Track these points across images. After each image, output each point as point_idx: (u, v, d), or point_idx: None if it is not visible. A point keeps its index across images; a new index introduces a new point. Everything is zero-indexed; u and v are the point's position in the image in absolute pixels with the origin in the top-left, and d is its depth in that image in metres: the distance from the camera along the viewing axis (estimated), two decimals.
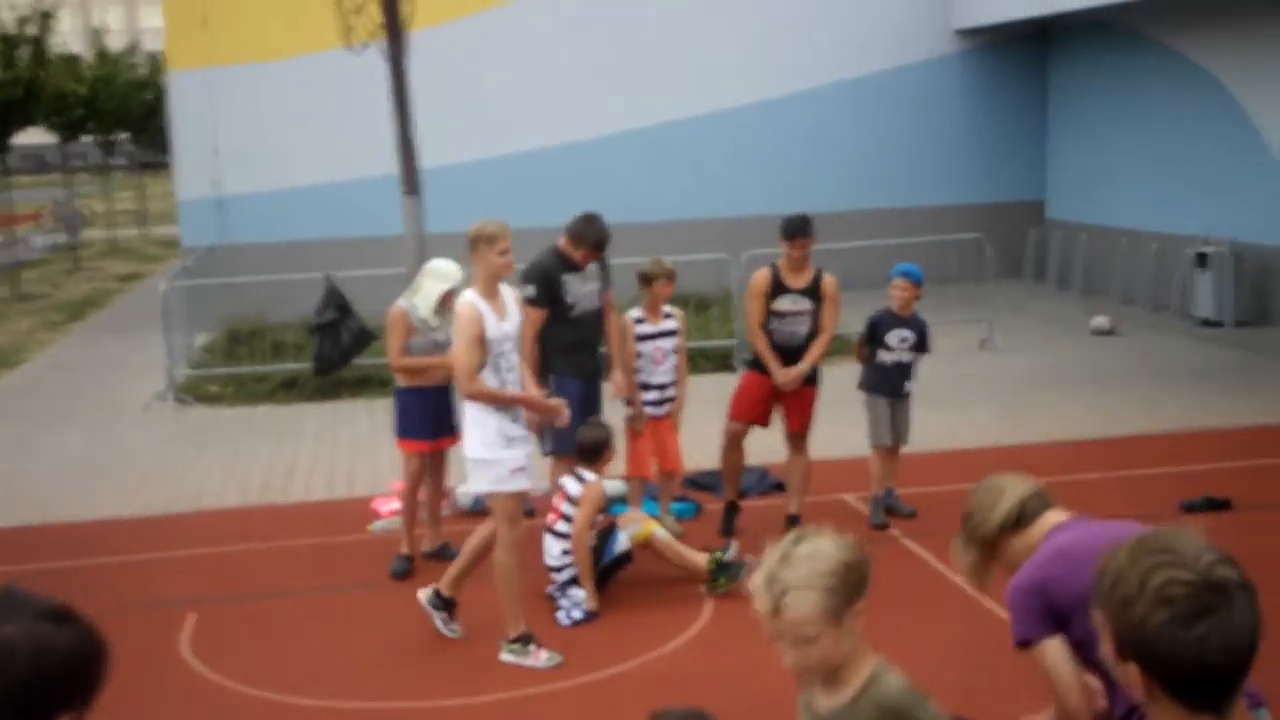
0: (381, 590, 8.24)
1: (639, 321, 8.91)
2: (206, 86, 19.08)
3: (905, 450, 9.33)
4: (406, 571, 8.41)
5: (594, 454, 7.98)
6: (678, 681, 6.54)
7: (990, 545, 3.94)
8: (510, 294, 7.03)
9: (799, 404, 8.76)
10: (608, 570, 7.91)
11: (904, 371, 9.06)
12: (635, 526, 7.95)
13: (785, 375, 8.61)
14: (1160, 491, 9.42)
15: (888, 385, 9.03)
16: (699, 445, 10.04)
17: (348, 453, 11.73)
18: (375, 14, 8.81)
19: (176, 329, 15.01)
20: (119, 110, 35.58)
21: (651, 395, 8.96)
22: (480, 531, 7.23)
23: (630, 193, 19.29)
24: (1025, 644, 3.76)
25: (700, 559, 7.91)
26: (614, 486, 9.75)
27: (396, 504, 9.72)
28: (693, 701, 3.66)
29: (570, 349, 8.65)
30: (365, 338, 14.20)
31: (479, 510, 9.52)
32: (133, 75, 37.46)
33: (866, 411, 9.11)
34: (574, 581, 7.76)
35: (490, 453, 6.77)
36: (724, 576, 7.85)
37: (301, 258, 17.49)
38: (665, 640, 7.15)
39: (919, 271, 9.19)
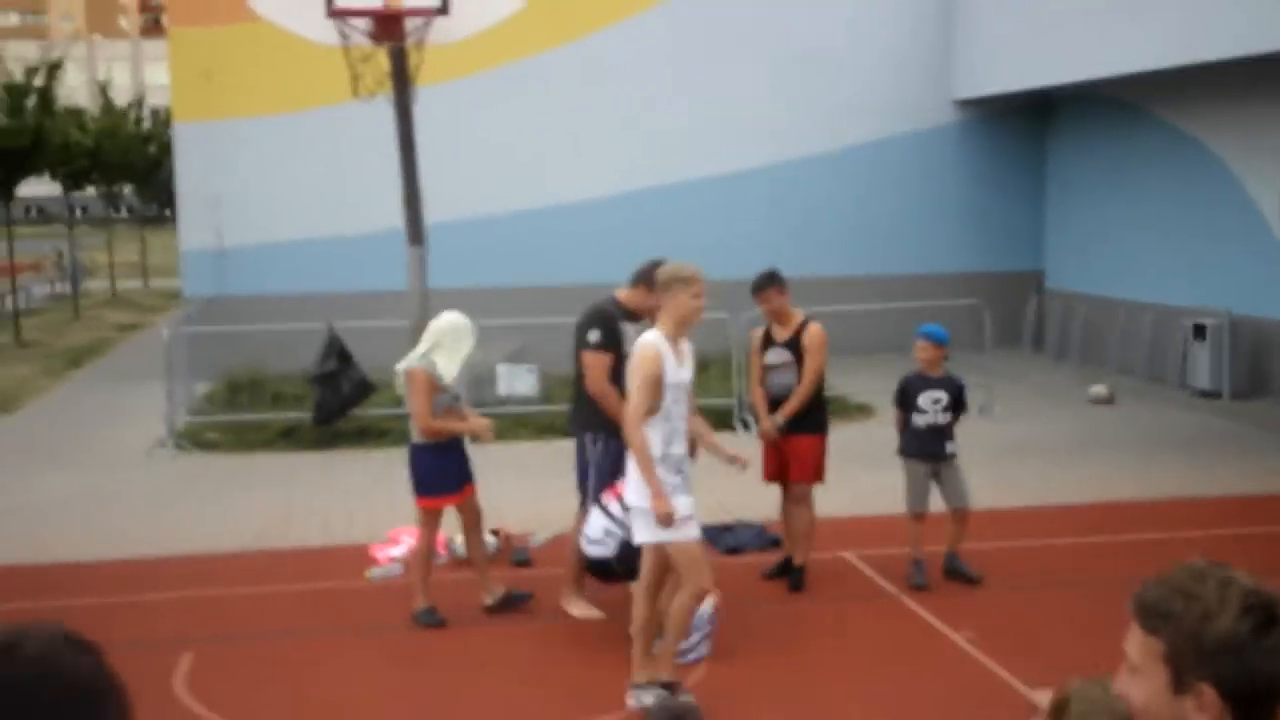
0: (377, 634, 8.23)
1: None
2: (210, 139, 19.26)
3: (894, 512, 9.33)
4: (439, 622, 8.27)
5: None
6: None
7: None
8: (688, 344, 6.86)
9: (794, 455, 8.80)
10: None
11: (940, 434, 8.90)
12: None
13: (760, 427, 8.94)
14: (1150, 557, 9.41)
15: (922, 448, 8.91)
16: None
17: (344, 501, 11.74)
18: (383, 64, 8.91)
19: (177, 377, 15.05)
20: (123, 162, 35.81)
21: None
22: (640, 603, 6.89)
23: (626, 255, 19.23)
24: None
25: None
26: None
27: (394, 550, 9.74)
28: None
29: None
30: (365, 388, 14.25)
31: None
32: (137, 129, 37.72)
33: (904, 476, 9.03)
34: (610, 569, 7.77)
35: (651, 504, 6.58)
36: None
37: (301, 310, 17.55)
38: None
39: (940, 331, 9.14)
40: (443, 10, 10.46)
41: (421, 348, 8.45)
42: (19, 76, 25.70)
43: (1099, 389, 16.61)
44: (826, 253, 20.12)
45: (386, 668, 7.61)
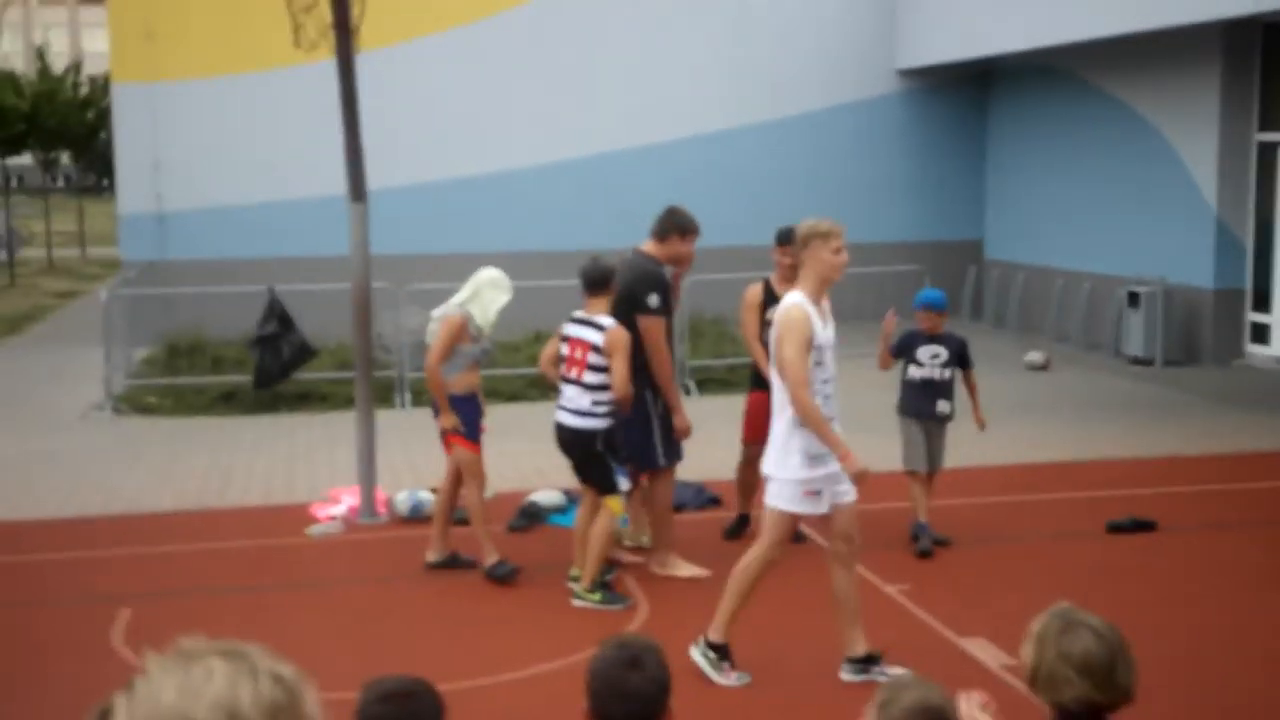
0: (318, 589, 8.26)
1: None
2: (150, 101, 19.07)
3: None
4: (512, 571, 8.26)
5: (602, 285, 7.92)
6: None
7: None
8: (828, 302, 6.66)
9: None
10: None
11: (936, 390, 8.88)
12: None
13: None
14: (1086, 514, 9.63)
15: (916, 406, 8.90)
16: None
17: (286, 463, 11.73)
18: (325, 14, 8.85)
19: (116, 341, 14.95)
20: (60, 128, 35.33)
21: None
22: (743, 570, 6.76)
23: (570, 222, 19.45)
24: None
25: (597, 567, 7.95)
26: (550, 497, 9.85)
27: (335, 509, 9.77)
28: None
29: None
30: (306, 352, 14.22)
31: (416, 518, 9.59)
32: (74, 94, 37.22)
33: (900, 435, 9.03)
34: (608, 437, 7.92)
35: (791, 472, 6.47)
36: (600, 595, 7.92)
37: (240, 275, 17.44)
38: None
39: (937, 298, 9.14)
40: None
41: (460, 296, 8.42)
42: None
43: (1035, 355, 16.84)
44: (769, 220, 20.04)
45: (328, 622, 7.64)
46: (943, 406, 8.92)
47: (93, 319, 15.93)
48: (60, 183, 73.06)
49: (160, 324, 16.86)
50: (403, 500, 9.68)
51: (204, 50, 19.17)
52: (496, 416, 13.62)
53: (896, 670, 6.43)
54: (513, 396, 14.69)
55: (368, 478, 9.68)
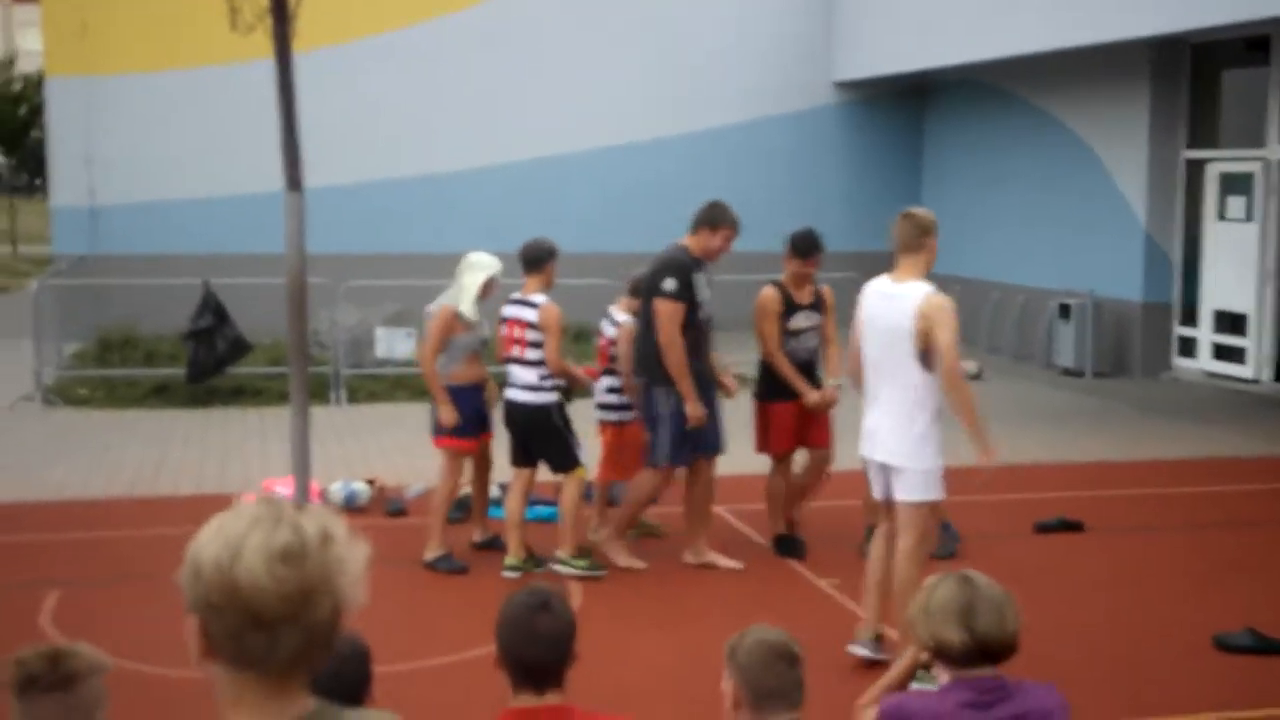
0: None
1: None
2: (83, 95, 18.88)
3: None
4: (459, 568, 8.33)
5: (536, 263, 8.16)
6: None
7: None
8: None
9: (817, 419, 8.68)
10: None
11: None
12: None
13: (823, 396, 8.58)
14: (1014, 515, 9.76)
15: None
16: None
17: (219, 455, 11.65)
18: None
19: (46, 333, 14.78)
20: None
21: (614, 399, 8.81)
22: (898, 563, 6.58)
23: (505, 226, 19.36)
24: None
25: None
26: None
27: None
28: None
29: (692, 354, 8.14)
30: (241, 346, 14.13)
31: (350, 508, 9.56)
32: (7, 89, 36.75)
33: None
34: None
35: (929, 461, 6.49)
36: (586, 562, 8.20)
37: (175, 271, 17.29)
38: None
39: None
40: None
41: (449, 290, 8.44)
42: None
43: (967, 364, 16.99)
44: None
45: None
46: None
47: (23, 314, 15.70)
48: None
49: (92, 318, 16.68)
50: (337, 490, 9.65)
51: (138, 45, 19.02)
52: (428, 415, 13.62)
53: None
54: None
55: (302, 467, 9.58)
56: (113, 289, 17.47)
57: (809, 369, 8.66)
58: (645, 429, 8.24)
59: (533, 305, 8.04)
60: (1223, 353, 16.14)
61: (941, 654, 3.48)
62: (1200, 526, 9.66)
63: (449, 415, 8.21)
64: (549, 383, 8.06)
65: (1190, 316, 16.60)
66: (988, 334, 19.15)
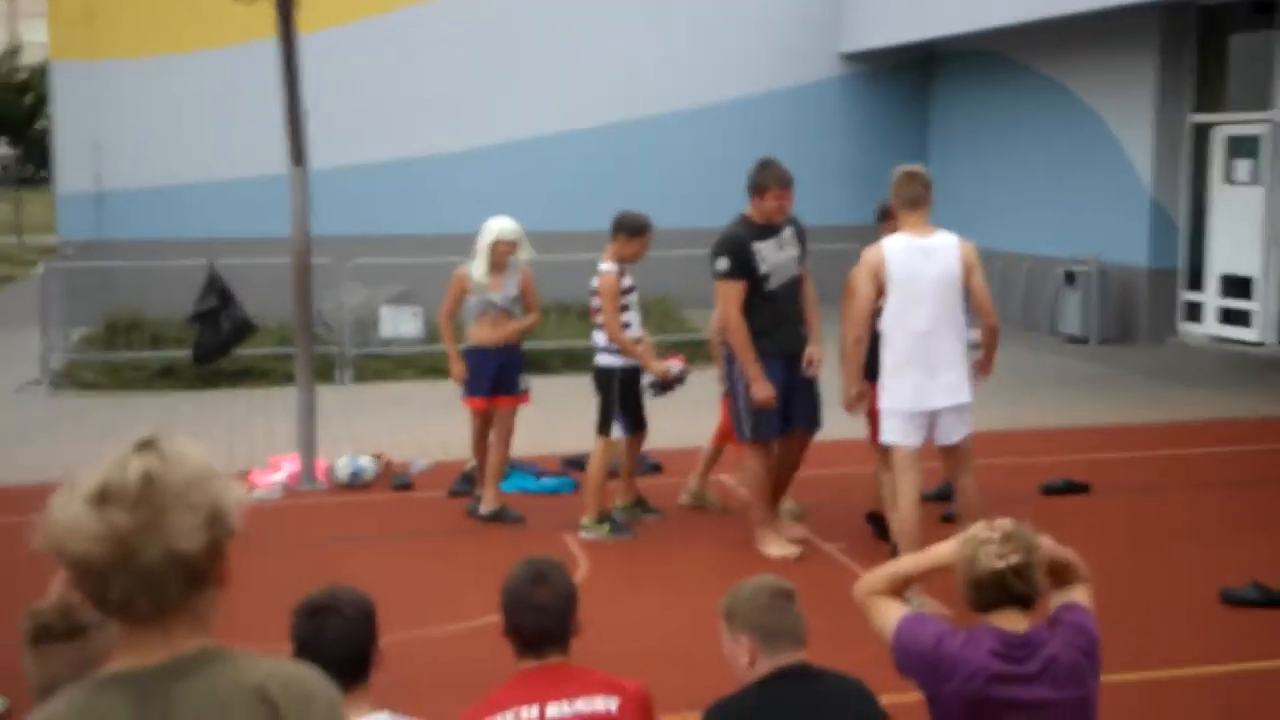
0: (255, 551, 8.23)
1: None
2: (89, 80, 18.90)
3: None
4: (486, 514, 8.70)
5: (613, 231, 8.36)
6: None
7: None
8: None
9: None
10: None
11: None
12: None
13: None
14: (1021, 478, 9.75)
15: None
16: (569, 431, 10.19)
17: (225, 434, 11.68)
18: None
19: (53, 318, 14.80)
20: None
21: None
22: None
23: (510, 204, 19.29)
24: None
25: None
26: None
27: (274, 476, 9.74)
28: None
29: (770, 325, 7.86)
30: (246, 328, 14.14)
31: (356, 484, 9.60)
32: (12, 77, 36.78)
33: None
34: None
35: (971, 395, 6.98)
36: (608, 526, 8.29)
37: (180, 255, 17.29)
38: None
39: None
40: None
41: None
42: None
43: (973, 333, 16.94)
44: (711, 205, 20.22)
45: (265, 582, 7.61)
46: None
47: (30, 302, 15.75)
48: None
49: (99, 303, 16.71)
50: (342, 466, 9.67)
51: (143, 29, 19.02)
52: (434, 393, 13.67)
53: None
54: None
55: (308, 443, 9.67)
56: (119, 273, 17.50)
57: None
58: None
59: (599, 273, 8.28)
60: (1229, 317, 16.10)
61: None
62: (1206, 486, 9.65)
63: (457, 370, 8.62)
64: (614, 347, 8.24)
65: (1196, 281, 16.55)
66: (994, 302, 19.05)
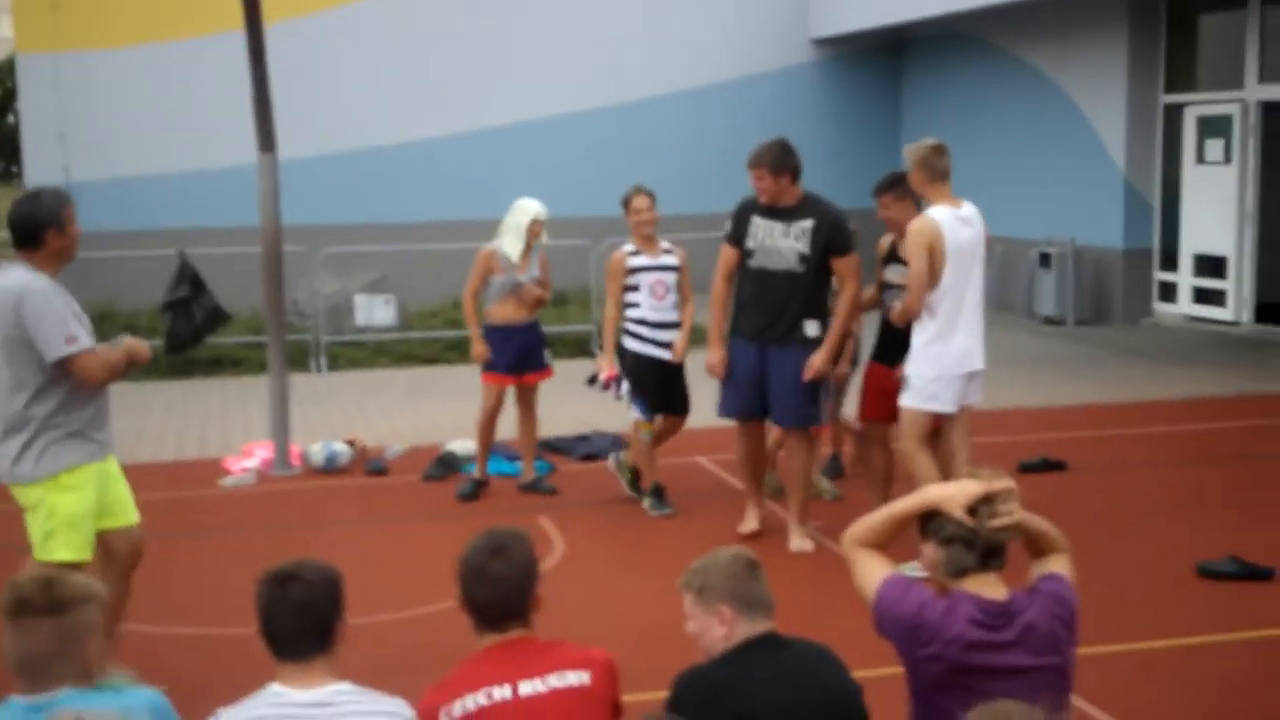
0: (230, 536, 8.19)
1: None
2: (56, 71, 18.70)
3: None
4: (474, 494, 8.77)
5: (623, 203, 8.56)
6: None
7: None
8: None
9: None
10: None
11: None
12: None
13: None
14: (997, 456, 9.72)
15: None
16: (556, 416, 10.15)
17: (199, 422, 11.61)
18: None
19: None
20: None
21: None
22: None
23: (475, 191, 19.30)
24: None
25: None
26: (466, 447, 9.82)
27: (248, 462, 9.68)
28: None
29: (743, 303, 7.66)
30: (219, 316, 13.91)
31: (331, 469, 9.55)
32: None
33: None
34: None
35: None
36: (650, 500, 8.44)
37: (150, 246, 17.18)
38: None
39: None
40: None
41: (499, 232, 8.70)
42: None
43: None
44: (684, 190, 20.20)
45: (241, 566, 7.56)
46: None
47: None
48: None
49: (70, 293, 16.56)
50: (317, 451, 9.61)
51: (110, 19, 18.85)
52: (408, 380, 13.62)
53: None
54: (429, 360, 14.69)
55: (281, 429, 9.61)
56: (89, 264, 17.28)
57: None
58: None
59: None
60: (1203, 296, 16.16)
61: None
62: (1183, 463, 9.67)
63: (480, 350, 8.60)
64: (637, 329, 8.34)
65: (1170, 261, 16.60)
66: None
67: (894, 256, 7.67)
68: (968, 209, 7.20)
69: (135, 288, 16.03)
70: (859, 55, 21.32)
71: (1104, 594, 6.76)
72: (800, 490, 7.72)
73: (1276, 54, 15.32)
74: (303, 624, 3.35)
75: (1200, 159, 16.06)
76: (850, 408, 8.80)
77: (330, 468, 9.54)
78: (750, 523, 7.91)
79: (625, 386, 8.35)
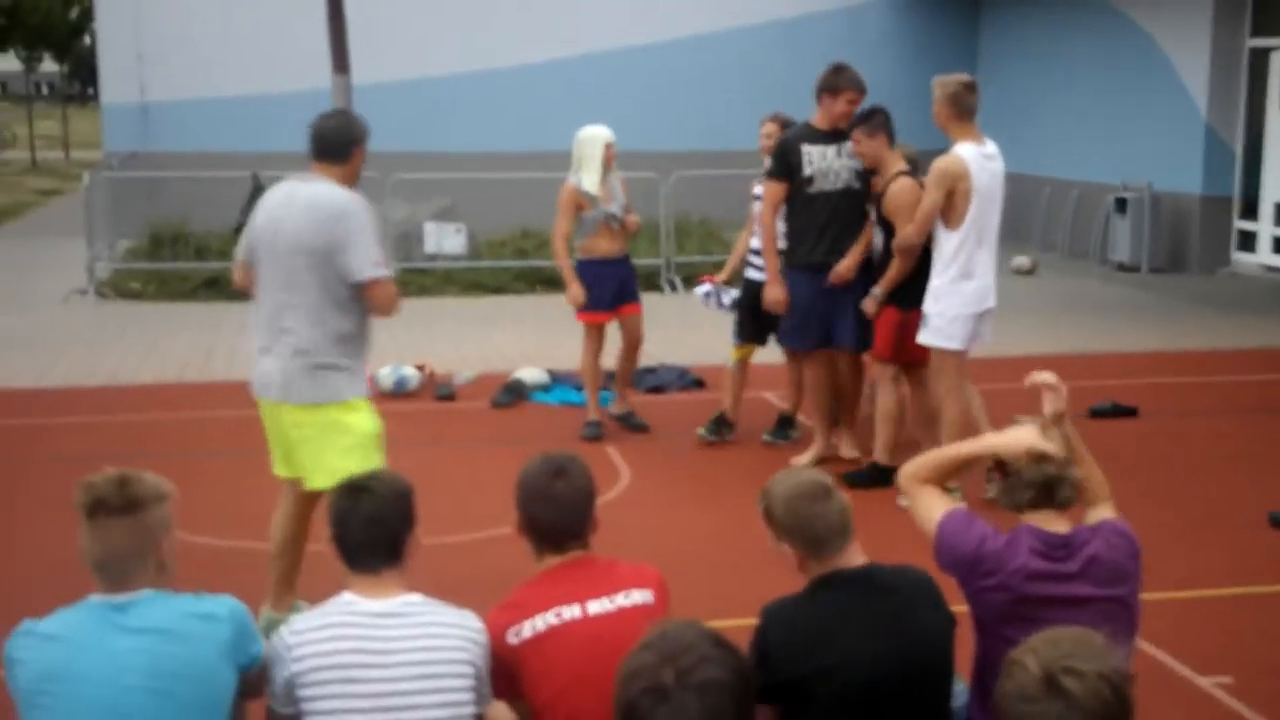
0: None
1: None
2: None
3: None
4: (598, 436, 8.49)
5: None
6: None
7: None
8: None
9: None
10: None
11: None
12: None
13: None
14: (1069, 401, 9.63)
15: None
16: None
17: None
18: None
19: (99, 228, 14.86)
20: (42, 25, 34.87)
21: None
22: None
23: (543, 122, 19.25)
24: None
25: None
26: (534, 375, 9.86)
27: None
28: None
29: (799, 232, 7.75)
30: None
31: (400, 393, 9.61)
32: None
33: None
34: None
35: None
36: (705, 428, 8.48)
37: (224, 166, 17.32)
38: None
39: None
40: None
41: (572, 168, 8.46)
42: None
43: (1021, 260, 16.83)
44: (751, 125, 19.97)
45: None
46: None
47: (76, 215, 15.78)
48: (45, 90, 72.34)
49: (144, 214, 16.72)
50: (386, 375, 9.68)
51: None
52: (477, 308, 13.67)
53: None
54: (499, 289, 14.75)
55: None
56: (164, 184, 17.52)
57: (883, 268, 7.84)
58: None
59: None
60: None
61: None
62: (1254, 411, 9.54)
63: (575, 292, 8.31)
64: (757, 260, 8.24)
65: (1251, 210, 16.29)
66: (1041, 230, 18.89)
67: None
68: (990, 147, 7.15)
69: (207, 208, 16.14)
70: None
71: (1178, 540, 6.71)
72: (887, 424, 7.58)
73: None
74: (373, 536, 3.39)
75: None
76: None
77: (399, 391, 9.61)
78: (811, 454, 7.92)
79: (730, 296, 8.49)
